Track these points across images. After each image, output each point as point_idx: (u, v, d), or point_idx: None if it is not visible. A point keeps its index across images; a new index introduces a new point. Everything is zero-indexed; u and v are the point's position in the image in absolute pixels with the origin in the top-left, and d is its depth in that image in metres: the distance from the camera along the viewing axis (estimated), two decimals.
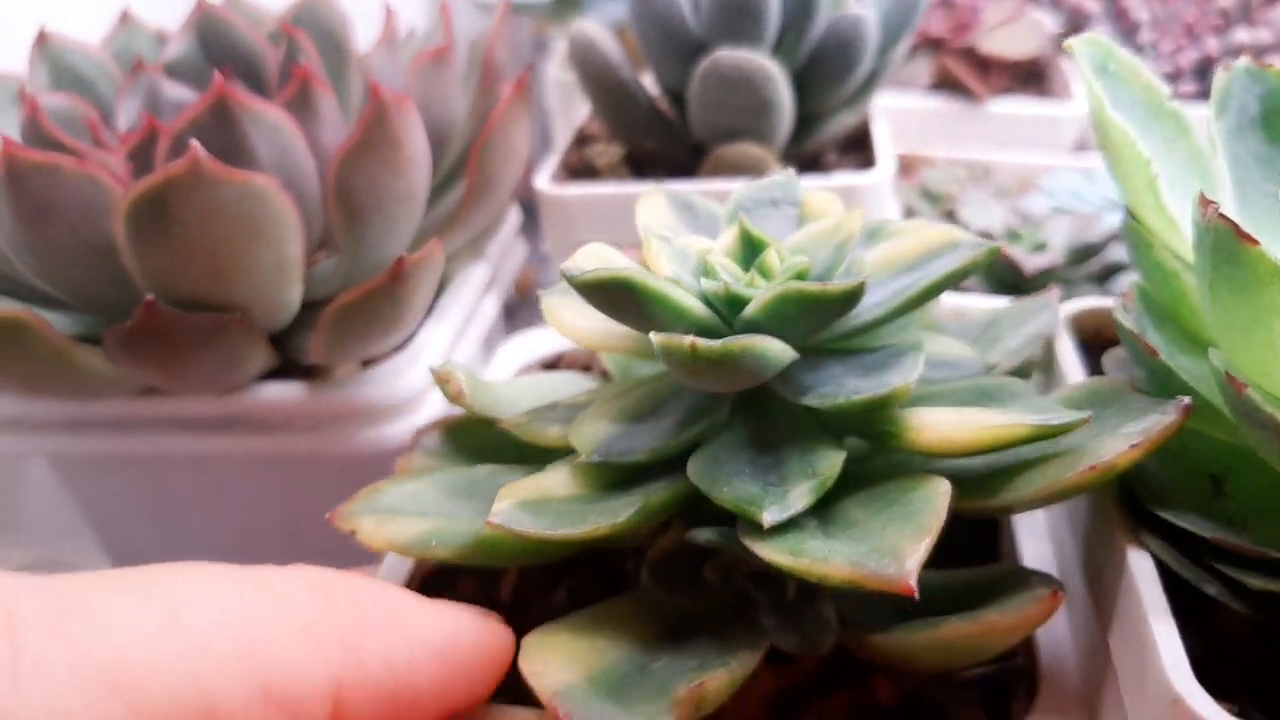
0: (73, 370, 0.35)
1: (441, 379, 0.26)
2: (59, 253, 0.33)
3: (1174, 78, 0.64)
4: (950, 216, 0.51)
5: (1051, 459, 0.22)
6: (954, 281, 0.24)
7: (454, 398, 0.26)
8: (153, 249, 0.31)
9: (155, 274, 0.32)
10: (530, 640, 0.21)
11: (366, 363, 0.39)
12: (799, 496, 0.21)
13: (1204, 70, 0.63)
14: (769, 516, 0.20)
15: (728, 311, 0.23)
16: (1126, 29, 0.67)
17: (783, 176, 0.29)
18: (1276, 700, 0.21)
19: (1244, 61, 0.28)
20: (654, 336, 0.21)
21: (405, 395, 0.38)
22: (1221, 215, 0.21)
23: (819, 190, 0.29)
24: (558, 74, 0.72)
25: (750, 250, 0.25)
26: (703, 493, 0.21)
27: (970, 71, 0.63)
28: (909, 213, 0.53)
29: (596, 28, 0.48)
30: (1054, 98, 0.65)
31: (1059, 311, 0.30)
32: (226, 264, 0.32)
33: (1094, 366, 0.30)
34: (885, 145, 0.49)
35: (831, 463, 0.21)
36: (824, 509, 0.22)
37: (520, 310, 0.67)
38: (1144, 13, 0.66)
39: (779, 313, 0.22)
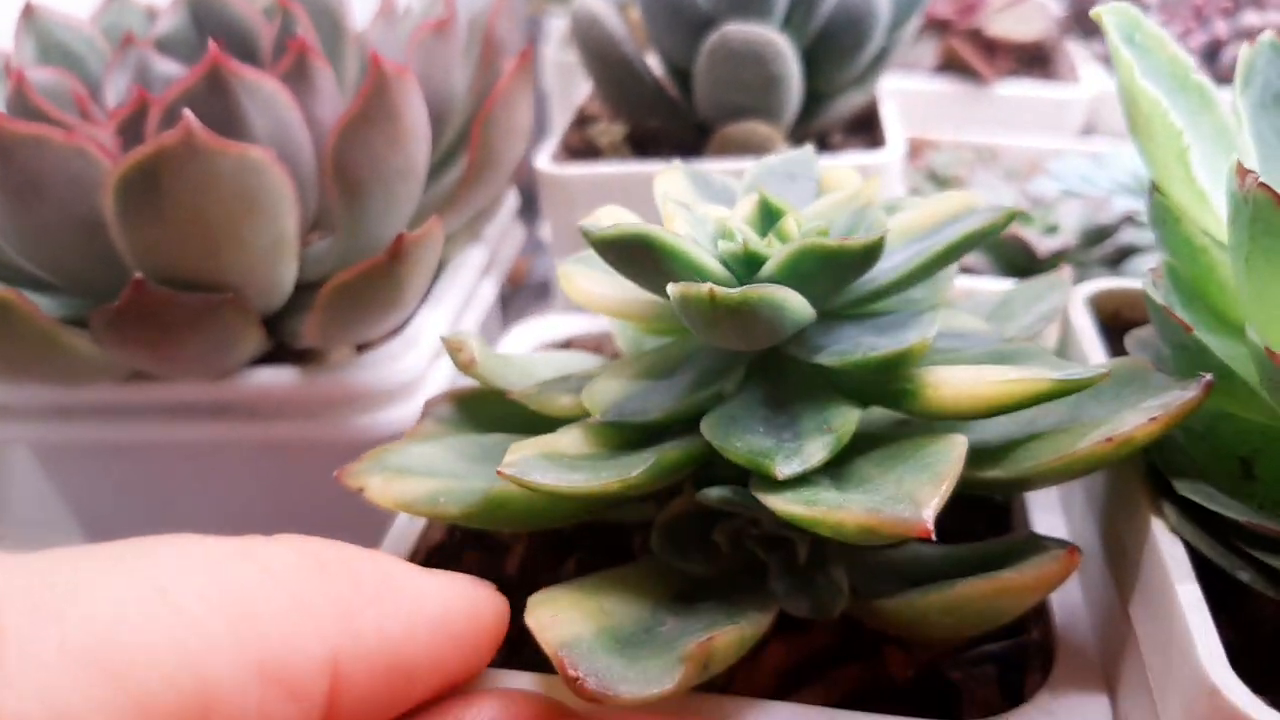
0: (59, 354, 0.34)
1: (453, 347, 0.26)
2: (46, 230, 0.32)
3: None
4: None
5: (1069, 430, 0.22)
6: (972, 244, 0.24)
7: (465, 366, 0.26)
8: (143, 224, 0.30)
9: (145, 251, 0.31)
10: (537, 598, 0.21)
11: (361, 347, 0.38)
12: (814, 451, 0.20)
13: (1213, 53, 0.62)
14: (783, 469, 0.20)
15: (745, 271, 0.23)
16: None
17: (800, 151, 0.29)
18: None
19: (1269, 36, 0.27)
20: (672, 287, 0.21)
21: (402, 380, 0.37)
22: (1263, 184, 0.20)
23: (837, 165, 0.29)
24: (555, 55, 0.71)
25: (769, 218, 0.25)
26: (716, 451, 0.21)
27: (976, 54, 0.63)
28: (916, 195, 0.52)
29: (599, 3, 0.47)
30: (1060, 81, 0.64)
31: (1074, 291, 0.29)
32: (220, 240, 0.31)
33: (1114, 348, 0.29)
34: (895, 125, 0.48)
35: (847, 419, 0.21)
36: (837, 467, 0.21)
37: (514, 300, 0.66)
38: None
39: (797, 270, 0.22)
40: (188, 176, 0.29)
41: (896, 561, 0.24)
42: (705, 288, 0.20)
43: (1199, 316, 0.25)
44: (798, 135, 0.48)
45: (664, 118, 0.48)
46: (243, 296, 0.33)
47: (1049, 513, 0.28)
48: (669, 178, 0.28)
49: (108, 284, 0.33)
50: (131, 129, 0.34)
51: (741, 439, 0.21)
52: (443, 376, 0.39)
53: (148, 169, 0.29)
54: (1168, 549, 0.21)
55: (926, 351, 0.22)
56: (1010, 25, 0.64)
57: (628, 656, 0.19)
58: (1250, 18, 0.62)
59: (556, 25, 0.77)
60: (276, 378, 0.36)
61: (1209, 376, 0.21)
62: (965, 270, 0.42)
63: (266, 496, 0.41)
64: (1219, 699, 0.18)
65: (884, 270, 0.24)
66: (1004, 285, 0.38)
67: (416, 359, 0.38)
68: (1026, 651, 0.24)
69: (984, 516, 0.28)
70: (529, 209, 0.50)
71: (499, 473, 0.21)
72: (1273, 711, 0.17)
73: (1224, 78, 0.57)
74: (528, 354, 0.30)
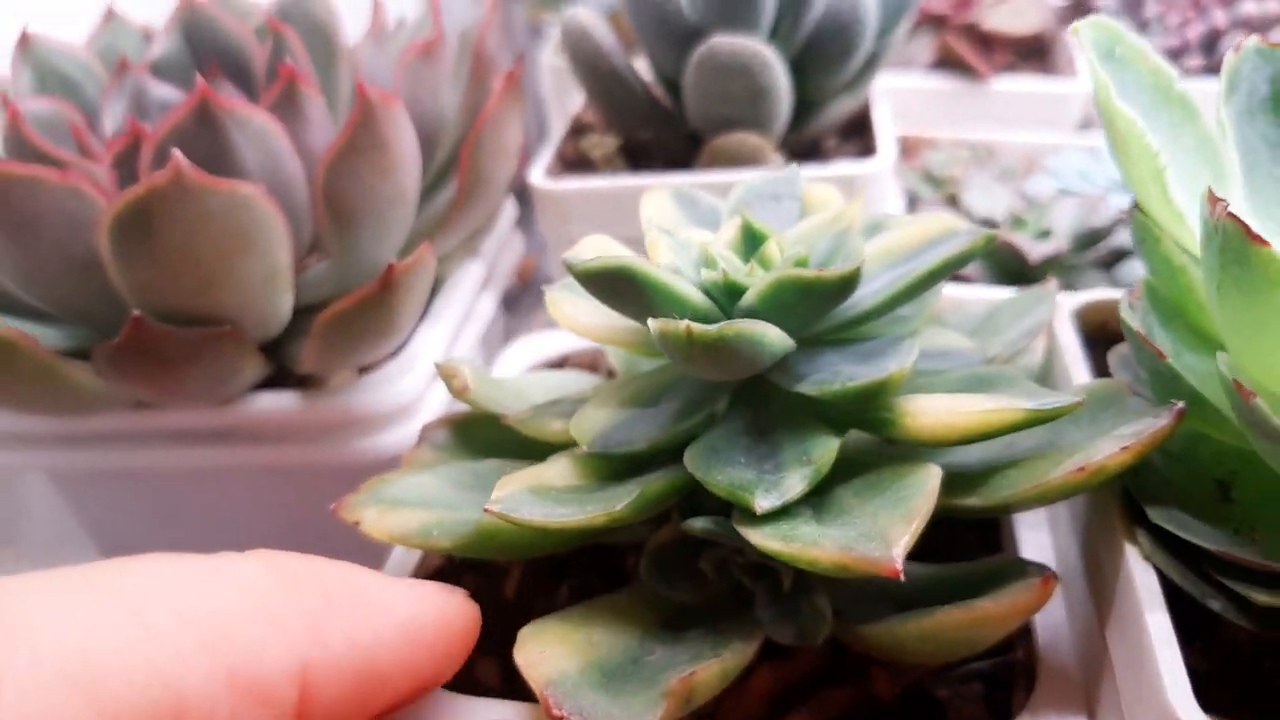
0: (62, 386, 0.34)
1: (447, 374, 0.26)
2: (44, 267, 0.32)
3: (1181, 51, 0.63)
4: (953, 201, 0.50)
5: (1045, 457, 0.22)
6: (950, 269, 0.24)
7: (458, 393, 0.26)
8: (138, 263, 0.31)
9: (141, 288, 0.32)
10: (526, 632, 0.21)
11: (362, 369, 0.39)
12: (794, 484, 0.21)
13: (1211, 43, 0.62)
14: (762, 502, 0.20)
15: (726, 300, 0.23)
16: (1132, 2, 0.66)
17: (785, 171, 0.29)
18: None
19: (1254, 41, 0.27)
20: (652, 323, 0.21)
21: (401, 402, 0.37)
22: (1230, 214, 0.20)
23: (820, 182, 0.29)
24: (552, 60, 0.71)
25: (752, 242, 0.25)
26: (699, 482, 0.22)
27: (972, 49, 0.62)
28: (912, 197, 0.52)
29: (589, 14, 0.47)
30: (1058, 74, 0.64)
31: (1061, 302, 0.29)
32: (214, 276, 0.32)
33: (1099, 361, 0.29)
34: (886, 131, 0.48)
35: (826, 450, 0.22)
36: (819, 497, 0.22)
37: (522, 299, 0.66)
38: None
39: (776, 300, 0.22)
40: (179, 216, 0.30)
41: (880, 585, 0.25)
42: (683, 325, 0.20)
43: (1178, 335, 0.25)
44: (790, 143, 0.48)
45: (656, 128, 0.48)
46: (240, 328, 0.33)
47: (1036, 530, 0.28)
48: (655, 200, 0.29)
49: (107, 319, 0.33)
50: (126, 164, 0.34)
51: (723, 471, 0.22)
52: (442, 396, 0.39)
53: (140, 209, 0.29)
54: (1140, 577, 0.21)
55: (904, 380, 0.22)
56: (1006, 20, 0.63)
57: (612, 692, 0.20)
58: (1249, 7, 0.61)
59: (555, 30, 0.77)
60: (278, 403, 0.37)
61: (1181, 404, 0.21)
62: (958, 277, 0.42)
63: (273, 519, 0.42)
64: None
65: (864, 296, 0.24)
66: (994, 294, 0.38)
67: (414, 381, 0.38)
68: (1013, 669, 0.24)
69: (975, 534, 0.29)
70: (532, 210, 0.50)
71: (487, 510, 0.21)
72: None
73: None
74: (521, 376, 0.31)
